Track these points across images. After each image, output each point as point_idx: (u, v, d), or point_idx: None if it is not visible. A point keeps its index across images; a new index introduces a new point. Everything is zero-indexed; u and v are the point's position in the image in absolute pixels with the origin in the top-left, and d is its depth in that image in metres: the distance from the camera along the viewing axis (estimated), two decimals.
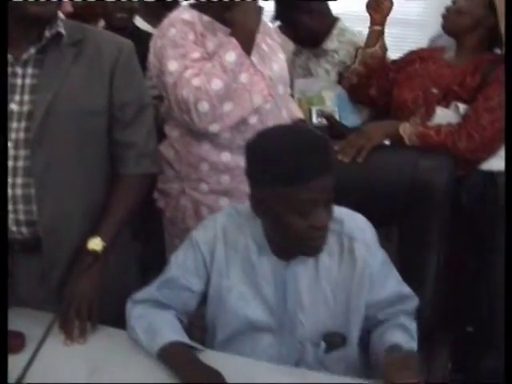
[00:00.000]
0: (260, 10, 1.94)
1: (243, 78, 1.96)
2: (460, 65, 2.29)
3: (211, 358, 1.51)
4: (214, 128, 1.95)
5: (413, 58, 2.43)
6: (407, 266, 1.94)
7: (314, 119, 2.62)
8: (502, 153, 2.08)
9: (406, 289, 1.61)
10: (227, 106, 1.94)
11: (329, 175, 1.42)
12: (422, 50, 2.48)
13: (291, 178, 1.37)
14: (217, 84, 1.89)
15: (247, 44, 1.92)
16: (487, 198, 2.03)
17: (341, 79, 2.65)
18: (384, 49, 2.50)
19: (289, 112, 2.19)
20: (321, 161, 1.41)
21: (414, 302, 1.62)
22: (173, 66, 1.92)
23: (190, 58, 1.92)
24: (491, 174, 2.17)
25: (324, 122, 2.55)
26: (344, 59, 2.68)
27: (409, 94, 2.31)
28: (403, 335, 1.51)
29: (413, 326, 1.56)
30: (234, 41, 1.90)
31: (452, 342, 1.88)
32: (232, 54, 1.90)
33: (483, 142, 2.13)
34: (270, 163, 1.39)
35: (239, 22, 1.90)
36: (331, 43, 2.69)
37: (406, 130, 2.13)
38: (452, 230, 2.02)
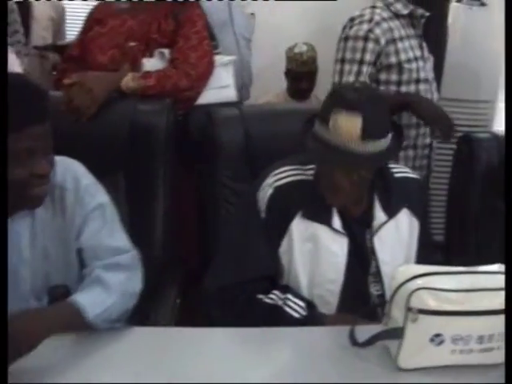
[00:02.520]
0: None
1: None
2: (143, 14, 2.33)
3: None
4: None
5: (89, 24, 2.40)
6: (136, 213, 1.97)
7: None
8: (212, 85, 2.28)
9: (121, 242, 1.60)
10: None
11: (44, 123, 1.39)
12: (94, 13, 2.44)
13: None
14: None
15: None
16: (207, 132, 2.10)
17: None
18: None
19: None
20: (34, 109, 1.35)
21: (129, 255, 1.60)
22: None
23: None
24: (207, 107, 2.26)
25: None
26: None
27: (102, 56, 2.30)
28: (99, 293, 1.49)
29: (115, 278, 1.52)
30: None
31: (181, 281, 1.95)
32: None
33: (199, 78, 2.26)
34: None
35: None
36: None
37: (128, 84, 2.11)
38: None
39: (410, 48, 2.46)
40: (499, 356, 1.41)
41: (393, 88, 2.44)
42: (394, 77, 2.43)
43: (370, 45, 2.36)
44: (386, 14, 2.43)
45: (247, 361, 1.44)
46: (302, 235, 1.69)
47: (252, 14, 3.26)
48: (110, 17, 2.36)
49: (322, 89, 3.12)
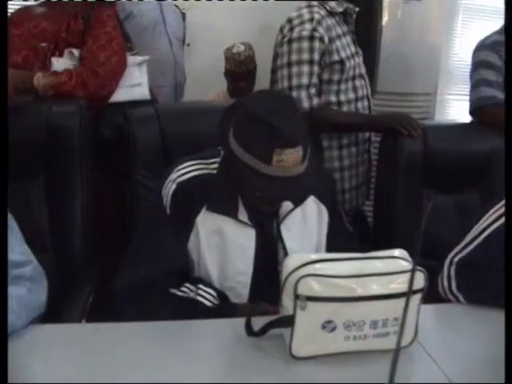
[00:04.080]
0: None
1: None
2: (56, 15, 2.35)
3: None
4: None
5: (8, 27, 2.39)
6: (55, 213, 1.97)
7: None
8: (125, 83, 2.30)
9: (20, 255, 1.56)
10: None
11: None
12: (13, 16, 2.45)
13: None
14: None
15: None
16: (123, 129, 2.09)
17: None
18: None
19: None
20: None
21: (30, 267, 1.57)
22: None
23: None
24: (121, 104, 2.28)
25: None
26: None
27: (16, 57, 2.31)
28: None
29: (17, 292, 1.49)
30: None
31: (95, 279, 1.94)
32: None
33: (108, 76, 2.27)
34: None
35: None
36: None
37: (39, 81, 2.11)
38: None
39: (347, 45, 2.47)
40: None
41: (334, 87, 2.44)
42: (336, 76, 2.43)
43: (316, 44, 2.35)
44: (323, 13, 2.42)
45: (147, 354, 1.42)
46: (208, 229, 1.68)
47: (183, 13, 3.25)
48: (26, 19, 2.37)
49: (262, 87, 3.11)
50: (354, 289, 1.37)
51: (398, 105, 3.23)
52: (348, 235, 1.90)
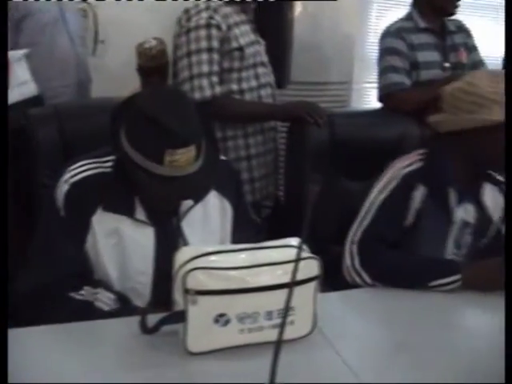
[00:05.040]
0: None
1: None
2: None
3: None
4: None
5: None
6: None
7: None
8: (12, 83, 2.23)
9: None
10: None
11: None
12: None
13: None
14: None
15: None
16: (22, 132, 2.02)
17: None
18: None
19: None
20: None
21: None
22: None
23: None
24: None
25: None
26: None
27: None
28: None
29: None
30: None
31: None
32: None
33: None
34: None
35: None
36: None
37: None
38: None
39: (246, 33, 2.44)
40: (294, 331, 1.40)
41: (235, 75, 2.41)
42: (236, 63, 2.40)
43: (214, 31, 2.32)
44: (219, 2, 2.40)
45: (41, 356, 1.38)
46: (105, 229, 1.64)
47: (84, 10, 3.18)
48: None
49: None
50: (245, 280, 1.34)
51: (313, 94, 3.23)
52: (254, 228, 1.88)
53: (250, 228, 1.85)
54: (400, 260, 1.82)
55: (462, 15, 2.84)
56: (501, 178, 1.98)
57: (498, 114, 1.71)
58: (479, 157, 1.84)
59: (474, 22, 3.89)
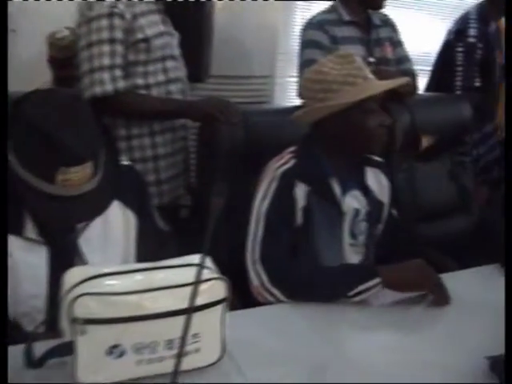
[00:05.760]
0: None
1: None
2: None
3: None
4: None
5: None
6: None
7: None
8: None
9: None
10: None
11: None
12: None
13: None
14: None
15: None
16: None
17: None
18: None
19: None
20: None
21: None
22: None
23: None
24: None
25: None
26: None
27: None
28: None
29: None
30: None
31: None
32: None
33: None
34: None
35: None
36: None
37: None
38: None
39: (154, 23, 2.26)
40: (201, 359, 1.26)
41: (140, 69, 2.24)
42: (142, 56, 2.22)
43: (117, 21, 2.13)
44: None
45: None
46: None
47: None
48: None
49: None
50: (142, 306, 1.19)
51: (234, 88, 3.10)
52: (162, 238, 1.72)
53: (157, 239, 1.69)
54: (313, 272, 1.71)
55: (396, 9, 2.75)
56: (379, 159, 1.94)
57: (347, 96, 1.69)
58: (347, 142, 1.78)
59: (411, 17, 3.90)
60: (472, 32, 2.96)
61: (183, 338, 1.01)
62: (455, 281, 1.76)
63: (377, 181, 1.94)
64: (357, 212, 1.87)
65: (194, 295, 1.03)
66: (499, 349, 1.26)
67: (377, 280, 1.65)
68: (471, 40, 2.95)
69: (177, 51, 2.37)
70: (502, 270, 1.84)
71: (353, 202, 1.86)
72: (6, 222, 1.31)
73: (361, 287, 1.65)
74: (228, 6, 3.12)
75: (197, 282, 1.03)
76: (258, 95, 3.25)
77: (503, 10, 2.97)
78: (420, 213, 2.44)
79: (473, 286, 1.82)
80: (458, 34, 3.00)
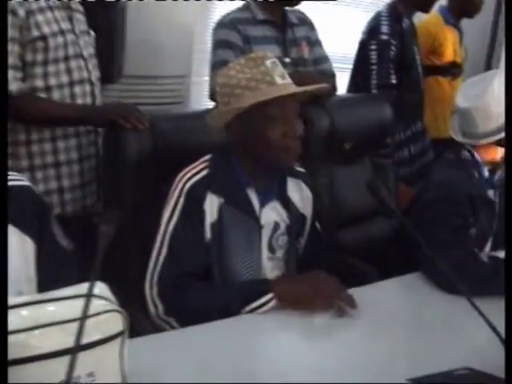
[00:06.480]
0: None
1: None
2: None
3: None
4: None
5: None
6: None
7: None
8: None
9: None
10: None
11: None
12: None
13: None
14: None
15: None
16: None
17: None
18: None
19: None
20: None
21: None
22: None
23: None
24: None
25: None
26: None
27: None
28: None
29: None
30: None
31: None
32: None
33: None
34: None
35: None
36: None
37: None
38: None
39: (54, 20, 2.10)
40: None
41: (39, 70, 2.07)
42: (40, 56, 2.05)
43: (9, 18, 1.96)
44: None
45: None
46: None
47: None
48: None
49: None
50: (27, 345, 1.06)
51: (147, 88, 3.00)
52: (64, 259, 1.56)
53: (59, 261, 1.53)
54: (208, 294, 1.62)
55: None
56: (301, 170, 1.83)
57: (248, 100, 1.59)
58: (252, 151, 1.68)
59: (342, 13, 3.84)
60: (384, 29, 2.93)
61: (69, 378, 0.90)
62: (375, 291, 1.70)
63: (299, 192, 1.83)
64: (276, 225, 1.76)
65: (80, 331, 0.92)
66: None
67: (268, 297, 1.57)
68: (384, 37, 2.92)
69: (87, 51, 2.22)
70: (424, 278, 1.80)
71: (272, 214, 1.75)
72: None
73: (253, 305, 1.57)
74: (141, 3, 2.98)
75: (84, 318, 0.92)
76: (173, 95, 3.14)
77: (416, 6, 2.97)
78: (340, 219, 2.37)
79: (389, 299, 1.76)
80: (370, 32, 2.97)
